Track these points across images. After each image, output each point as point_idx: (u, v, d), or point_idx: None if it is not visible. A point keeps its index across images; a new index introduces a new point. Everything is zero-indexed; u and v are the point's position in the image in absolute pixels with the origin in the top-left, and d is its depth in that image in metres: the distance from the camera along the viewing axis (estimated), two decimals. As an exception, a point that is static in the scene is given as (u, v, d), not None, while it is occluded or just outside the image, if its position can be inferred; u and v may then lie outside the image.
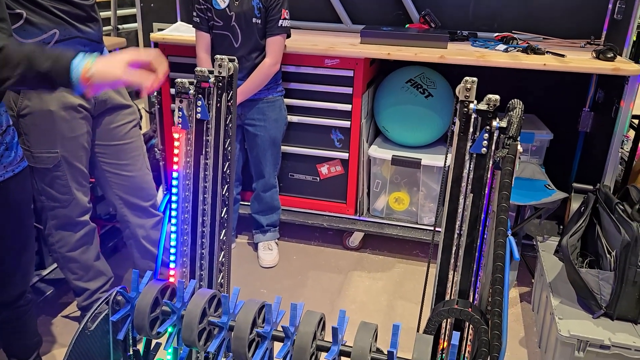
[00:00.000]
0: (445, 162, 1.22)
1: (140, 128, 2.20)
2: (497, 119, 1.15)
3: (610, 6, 2.73)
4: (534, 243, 2.46)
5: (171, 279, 1.35)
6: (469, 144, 1.17)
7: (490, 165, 1.16)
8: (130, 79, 1.26)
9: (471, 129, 1.17)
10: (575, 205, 2.32)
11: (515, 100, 1.15)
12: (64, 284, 2.29)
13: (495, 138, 1.15)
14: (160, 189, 3.00)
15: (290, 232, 2.96)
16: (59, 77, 1.22)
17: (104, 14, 3.99)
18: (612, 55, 2.37)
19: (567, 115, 2.91)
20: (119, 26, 3.96)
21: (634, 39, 2.55)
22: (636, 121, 2.81)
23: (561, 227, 2.78)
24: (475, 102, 1.16)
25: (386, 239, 2.90)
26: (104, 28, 3.98)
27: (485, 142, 1.14)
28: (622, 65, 2.31)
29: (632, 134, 2.85)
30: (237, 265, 2.70)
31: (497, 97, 1.15)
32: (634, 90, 2.33)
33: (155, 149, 2.95)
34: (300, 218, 2.84)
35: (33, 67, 1.21)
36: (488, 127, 1.14)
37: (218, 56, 1.27)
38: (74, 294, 2.16)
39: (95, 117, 1.94)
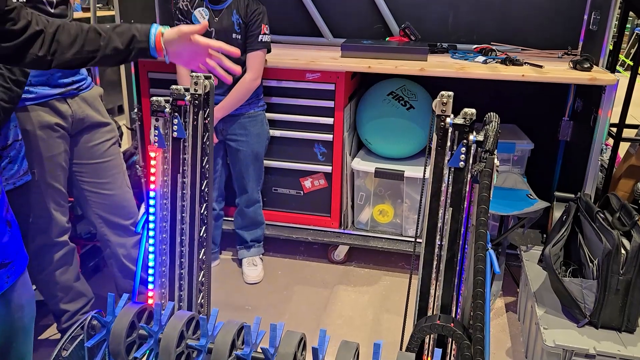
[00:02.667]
0: (424, 175, 1.22)
1: (120, 145, 2.17)
2: (474, 133, 1.15)
3: (585, 17, 2.78)
4: (518, 253, 2.46)
5: (150, 300, 1.33)
6: (447, 158, 1.17)
7: (469, 179, 1.16)
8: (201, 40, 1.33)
9: (449, 143, 1.17)
10: (557, 214, 2.33)
11: (492, 113, 1.16)
12: (43, 306, 2.24)
13: (472, 152, 1.15)
14: (142, 206, 2.96)
15: (275, 247, 2.94)
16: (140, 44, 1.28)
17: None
18: (589, 65, 2.40)
19: (547, 125, 2.94)
20: (100, 43, 3.93)
21: (610, 48, 2.58)
22: (614, 129, 2.84)
23: (544, 235, 2.79)
24: (452, 116, 1.16)
25: (371, 252, 2.89)
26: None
27: (463, 156, 1.14)
28: (599, 75, 2.34)
29: (611, 142, 2.88)
30: (222, 282, 2.67)
31: (473, 111, 1.15)
32: (611, 99, 2.36)
33: (137, 165, 2.92)
34: (284, 232, 2.82)
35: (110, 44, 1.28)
36: (465, 141, 1.14)
37: (194, 74, 1.26)
38: (53, 316, 2.12)
39: (73, 135, 1.92)
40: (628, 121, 2.89)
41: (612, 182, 2.78)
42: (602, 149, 2.50)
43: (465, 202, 1.16)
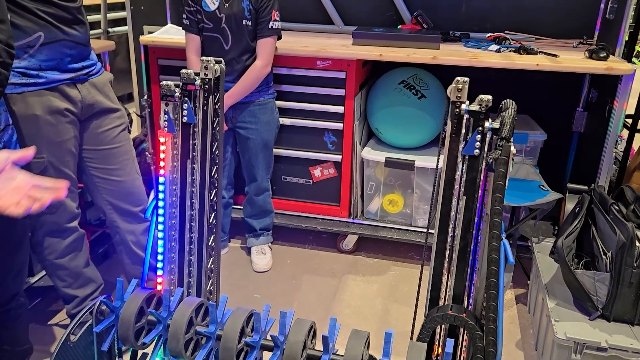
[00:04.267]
0: (437, 164, 1.19)
1: (130, 132, 2.16)
2: (490, 120, 1.12)
3: (602, 6, 2.73)
4: (529, 244, 2.44)
5: (159, 287, 1.32)
6: (461, 145, 1.15)
7: (483, 167, 1.13)
8: None
9: (463, 130, 1.14)
10: (569, 205, 2.30)
11: (508, 100, 1.13)
12: (53, 292, 2.25)
13: (487, 139, 1.13)
14: (152, 193, 2.96)
15: (284, 235, 2.93)
16: None
17: (94, 17, 3.95)
18: (605, 54, 2.36)
19: (561, 116, 2.90)
20: (109, 29, 3.92)
21: (626, 38, 2.53)
22: (629, 121, 2.79)
23: (556, 227, 2.76)
24: (467, 102, 1.13)
25: (381, 242, 2.87)
26: (95, 31, 3.95)
27: (478, 143, 1.12)
28: (615, 64, 2.29)
29: (625, 133, 2.84)
30: (231, 270, 2.67)
31: (489, 97, 1.12)
32: (627, 89, 2.31)
33: (147, 152, 2.92)
34: (293, 221, 2.81)
35: None
36: (480, 128, 1.12)
37: (204, 58, 1.24)
38: (63, 302, 2.12)
39: (83, 121, 1.91)
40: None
41: (625, 174, 2.73)
42: (617, 141, 2.46)
43: (480, 191, 1.14)
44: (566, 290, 2.03)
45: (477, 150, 1.13)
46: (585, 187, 2.27)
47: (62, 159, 1.86)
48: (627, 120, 2.71)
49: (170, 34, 2.77)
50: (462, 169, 1.15)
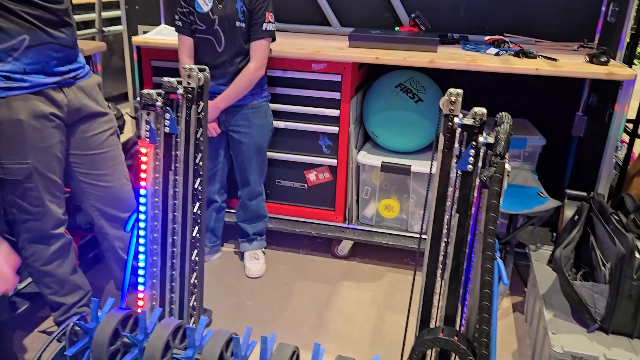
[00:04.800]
0: (429, 179, 1.14)
1: (119, 136, 2.11)
2: (484, 134, 1.07)
3: (603, 9, 2.67)
4: (527, 252, 2.39)
5: (139, 302, 1.27)
6: (454, 160, 1.10)
7: (477, 183, 1.09)
8: None
9: (456, 145, 1.09)
10: (568, 212, 2.25)
11: (503, 113, 1.08)
12: (39, 298, 2.20)
13: (482, 154, 1.08)
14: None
15: (278, 240, 2.88)
16: None
17: (89, 16, 3.90)
18: (606, 59, 2.31)
19: (560, 120, 2.85)
20: (104, 29, 3.87)
21: (628, 41, 2.48)
22: (630, 125, 2.74)
23: (554, 234, 2.71)
24: (461, 115, 1.08)
25: (376, 247, 2.82)
26: (89, 30, 3.91)
27: (472, 158, 1.07)
28: (616, 69, 2.24)
29: (626, 138, 2.79)
30: (223, 276, 2.63)
31: (484, 110, 1.07)
32: (628, 94, 2.26)
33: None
34: (287, 226, 2.76)
35: None
36: (474, 143, 1.07)
37: (187, 66, 1.19)
38: (50, 309, 2.08)
39: (70, 125, 1.86)
40: (644, 117, 2.79)
41: (626, 180, 2.69)
42: (617, 146, 2.41)
43: (473, 208, 1.09)
44: (564, 301, 1.98)
45: (470, 166, 1.09)
46: (585, 194, 2.22)
47: (48, 165, 1.81)
48: (627, 125, 2.67)
49: (163, 35, 2.72)
50: (455, 184, 1.10)
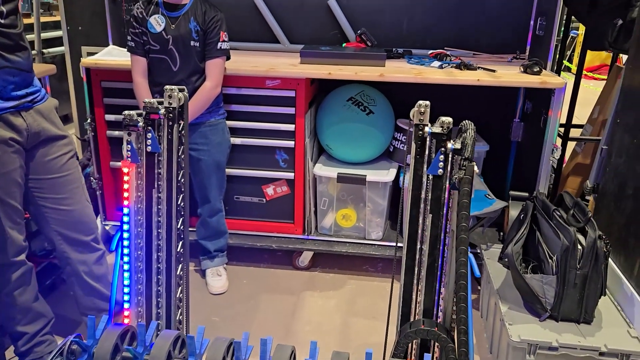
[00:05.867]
0: (403, 184, 1.24)
1: (78, 158, 2.09)
2: (452, 141, 1.18)
3: (532, 23, 2.90)
4: (479, 251, 2.54)
5: (126, 320, 1.28)
6: (425, 166, 1.20)
7: (447, 185, 1.19)
8: None
9: (427, 152, 1.19)
10: (513, 212, 2.42)
11: (467, 121, 1.19)
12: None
13: (450, 159, 1.18)
14: (99, 219, 2.86)
15: (239, 255, 2.91)
16: None
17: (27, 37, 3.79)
18: (539, 69, 2.51)
19: (499, 127, 3.05)
20: (44, 50, 3.77)
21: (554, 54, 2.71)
22: (562, 130, 2.98)
23: (501, 233, 2.89)
24: (430, 125, 1.18)
25: (336, 257, 2.90)
26: (28, 53, 3.77)
27: (442, 163, 1.17)
28: (548, 78, 2.45)
29: (558, 141, 3.02)
30: (186, 294, 2.62)
31: (450, 119, 1.18)
32: (560, 101, 2.47)
33: (91, 177, 2.82)
34: (248, 241, 2.79)
35: None
36: (443, 149, 1.17)
37: (168, 87, 1.23)
38: (10, 339, 2.01)
39: (29, 150, 1.83)
40: (572, 122, 3.05)
41: (561, 180, 2.91)
42: (553, 150, 2.62)
43: (444, 209, 1.19)
44: (516, 294, 2.13)
45: (440, 170, 1.19)
46: (527, 194, 2.40)
47: (8, 190, 1.78)
48: (560, 129, 2.90)
49: (113, 56, 2.70)
50: (427, 187, 1.20)
